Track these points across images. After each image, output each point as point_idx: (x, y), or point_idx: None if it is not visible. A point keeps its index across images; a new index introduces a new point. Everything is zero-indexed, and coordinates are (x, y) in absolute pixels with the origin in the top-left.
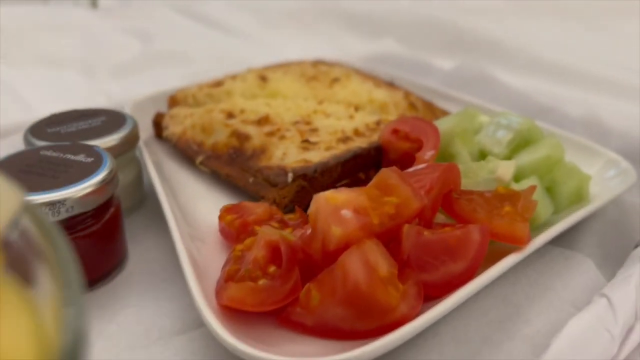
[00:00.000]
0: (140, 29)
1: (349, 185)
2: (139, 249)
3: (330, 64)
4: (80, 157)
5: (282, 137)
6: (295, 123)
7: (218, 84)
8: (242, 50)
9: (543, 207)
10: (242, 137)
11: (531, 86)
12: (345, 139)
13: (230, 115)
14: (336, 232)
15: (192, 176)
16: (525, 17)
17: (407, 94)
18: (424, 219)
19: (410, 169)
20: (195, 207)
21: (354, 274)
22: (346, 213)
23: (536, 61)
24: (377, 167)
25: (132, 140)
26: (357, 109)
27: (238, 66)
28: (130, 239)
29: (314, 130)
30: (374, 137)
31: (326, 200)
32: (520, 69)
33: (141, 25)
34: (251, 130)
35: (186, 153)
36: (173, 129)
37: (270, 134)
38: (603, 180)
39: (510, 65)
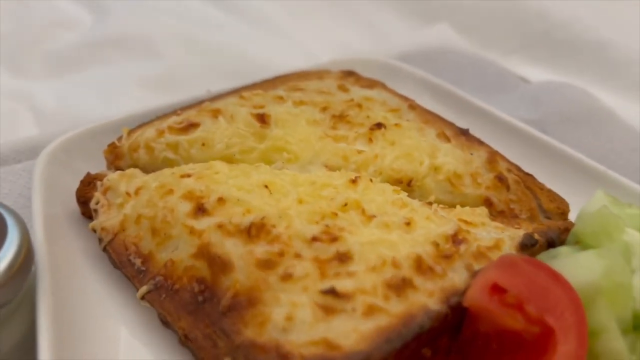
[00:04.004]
0: None
1: None
2: None
3: (367, 82)
4: None
5: (288, 277)
6: (313, 240)
7: (189, 125)
8: (234, 35)
9: None
10: (217, 265)
11: None
12: (398, 285)
13: (199, 206)
14: None
15: (131, 320)
16: None
17: (492, 157)
18: None
19: None
20: None
21: None
22: None
23: None
24: (453, 333)
25: (15, 281)
26: (410, 184)
27: (223, 63)
28: None
29: (345, 259)
30: (451, 277)
31: None
32: None
33: None
34: (233, 249)
35: (124, 270)
36: (105, 219)
37: (267, 264)
38: None
39: (629, 85)
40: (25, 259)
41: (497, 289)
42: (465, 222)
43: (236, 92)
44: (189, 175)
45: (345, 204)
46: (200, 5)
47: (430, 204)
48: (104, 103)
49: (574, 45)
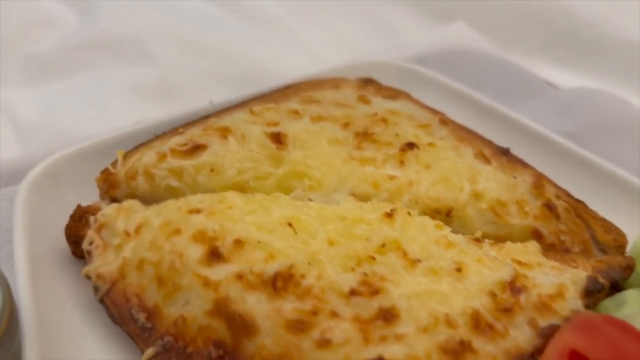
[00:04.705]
0: None
1: None
2: None
3: (390, 92)
4: None
5: (326, 343)
6: (351, 294)
7: (195, 147)
8: (235, 36)
9: None
10: (238, 325)
11: None
12: (456, 350)
13: (213, 251)
14: None
15: None
16: None
17: (538, 181)
18: None
19: None
20: None
21: None
22: None
23: None
24: None
25: None
26: (449, 214)
27: (224, 67)
28: None
29: (391, 318)
30: (514, 337)
31: None
32: None
33: None
34: (257, 305)
35: (125, 327)
36: (101, 263)
37: (299, 326)
38: None
39: None
40: (8, 327)
41: (576, 357)
42: (519, 262)
43: (244, 105)
44: (198, 211)
45: (383, 245)
46: (197, 4)
47: (477, 240)
48: (93, 114)
49: (601, 46)
